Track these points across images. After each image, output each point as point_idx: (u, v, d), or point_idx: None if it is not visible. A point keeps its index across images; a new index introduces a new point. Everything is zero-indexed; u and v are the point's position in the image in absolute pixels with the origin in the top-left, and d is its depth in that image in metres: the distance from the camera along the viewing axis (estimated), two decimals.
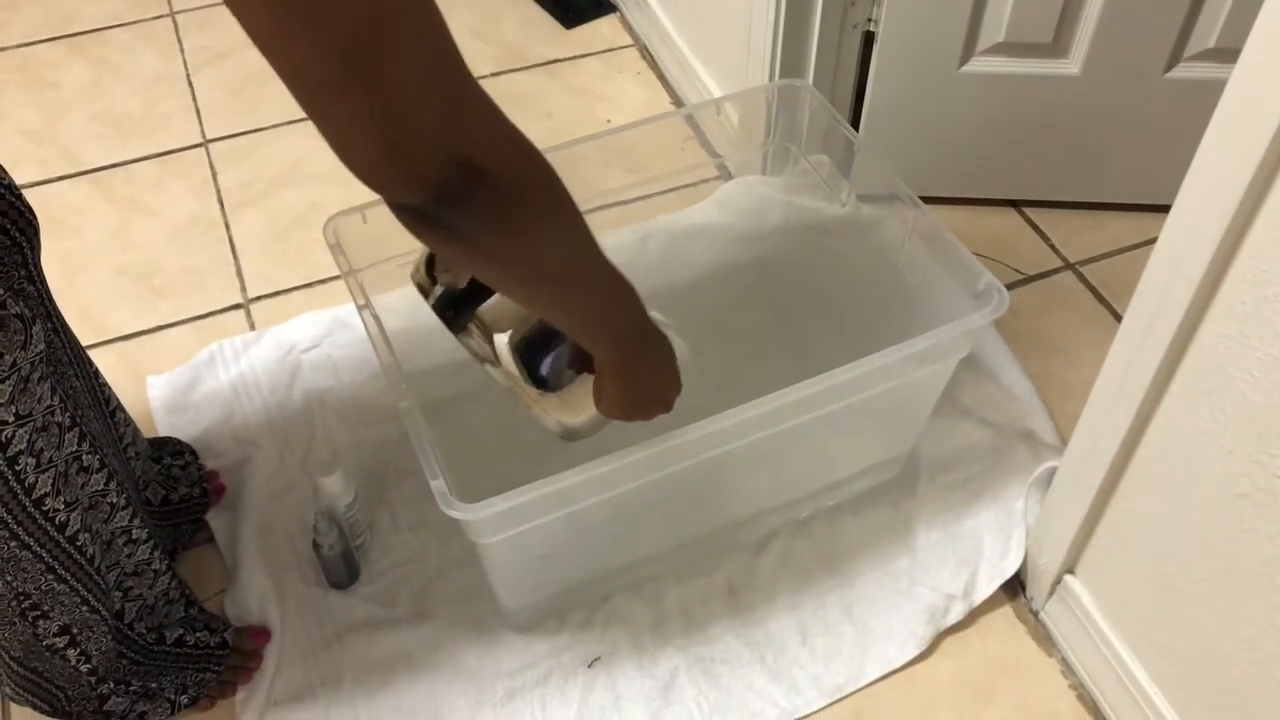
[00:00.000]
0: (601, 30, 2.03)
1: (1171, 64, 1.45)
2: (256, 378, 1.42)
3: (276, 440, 1.35)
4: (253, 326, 1.52)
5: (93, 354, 1.47)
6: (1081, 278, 1.57)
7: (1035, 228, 1.64)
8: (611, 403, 0.94)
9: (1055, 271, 1.59)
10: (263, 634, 1.18)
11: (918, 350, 1.07)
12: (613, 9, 2.06)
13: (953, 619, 1.21)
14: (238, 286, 1.58)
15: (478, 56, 1.97)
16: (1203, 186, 0.83)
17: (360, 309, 1.09)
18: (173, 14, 2.06)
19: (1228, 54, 1.43)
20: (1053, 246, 1.62)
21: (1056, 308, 1.54)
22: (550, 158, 0.71)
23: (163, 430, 1.37)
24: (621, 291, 0.84)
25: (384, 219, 1.17)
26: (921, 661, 1.18)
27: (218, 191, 1.73)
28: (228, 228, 1.67)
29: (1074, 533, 1.12)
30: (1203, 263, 0.84)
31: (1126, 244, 1.60)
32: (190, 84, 1.91)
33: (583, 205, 1.19)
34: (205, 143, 1.81)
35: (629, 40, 2.01)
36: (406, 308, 1.21)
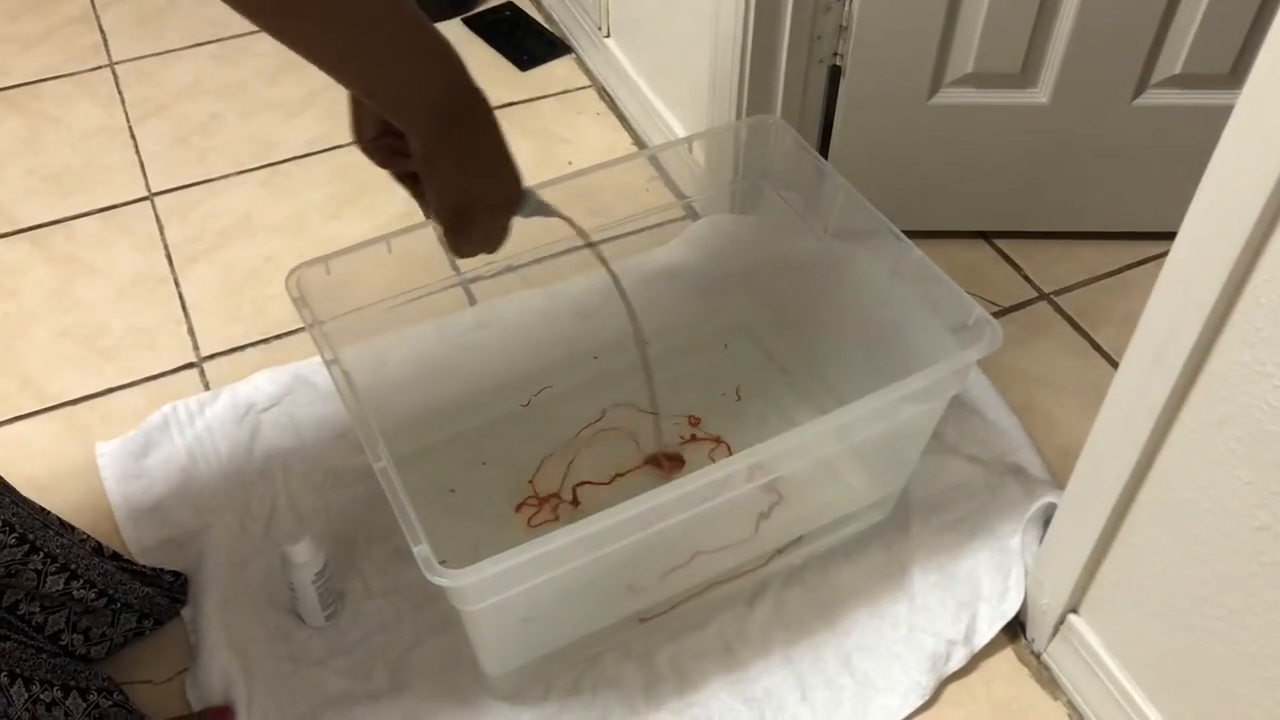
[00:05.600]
0: (557, 72, 2.00)
1: (1139, 91, 1.44)
2: (214, 441, 1.35)
3: (237, 507, 1.28)
4: (207, 386, 1.45)
5: (36, 421, 1.40)
6: (1057, 308, 1.55)
7: (1007, 259, 1.62)
8: (439, 194, 0.82)
9: (1030, 302, 1.57)
10: (225, 712, 1.10)
11: (914, 389, 1.03)
12: (568, 50, 2.03)
13: (955, 665, 1.16)
14: (190, 345, 1.51)
15: None
16: (1213, 209, 0.80)
17: (329, 364, 1.03)
18: (112, 65, 1.99)
19: (1193, 79, 1.43)
20: (1026, 277, 1.60)
21: (1034, 339, 1.51)
22: None
23: (114, 499, 1.29)
24: (433, 49, 0.74)
25: (347, 270, 1.13)
26: (925, 711, 1.14)
27: (165, 246, 1.65)
28: (177, 284, 1.60)
29: (1078, 571, 1.08)
30: (1215, 288, 0.81)
31: (1100, 272, 1.58)
32: (133, 136, 1.84)
33: (547, 250, 1.14)
34: (150, 196, 1.74)
35: (586, 81, 1.97)
36: (371, 361, 1.16)
